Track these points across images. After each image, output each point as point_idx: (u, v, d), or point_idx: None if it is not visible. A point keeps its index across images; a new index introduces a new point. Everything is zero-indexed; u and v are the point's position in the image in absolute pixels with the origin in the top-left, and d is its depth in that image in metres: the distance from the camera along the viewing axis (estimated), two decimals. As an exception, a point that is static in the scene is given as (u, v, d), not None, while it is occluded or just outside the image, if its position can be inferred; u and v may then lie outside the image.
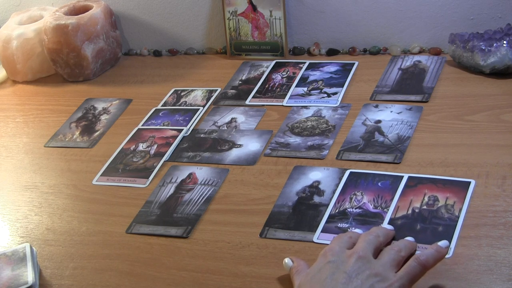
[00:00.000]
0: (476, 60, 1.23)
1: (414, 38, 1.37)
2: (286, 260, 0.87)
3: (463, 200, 0.94)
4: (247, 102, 1.28)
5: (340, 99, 1.23)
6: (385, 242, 0.86)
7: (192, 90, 1.35)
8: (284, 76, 1.34)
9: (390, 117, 1.15)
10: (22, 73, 1.49)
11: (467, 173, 0.99)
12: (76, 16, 1.44)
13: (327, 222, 0.95)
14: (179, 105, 1.31)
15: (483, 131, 1.09)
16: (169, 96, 1.35)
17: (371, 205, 0.96)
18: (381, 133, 1.12)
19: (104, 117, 1.31)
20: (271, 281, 0.87)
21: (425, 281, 0.81)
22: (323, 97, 1.25)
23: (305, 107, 1.23)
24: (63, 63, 1.45)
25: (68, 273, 0.95)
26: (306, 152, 1.11)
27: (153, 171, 1.13)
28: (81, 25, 1.42)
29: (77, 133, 1.28)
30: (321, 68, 1.34)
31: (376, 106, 1.19)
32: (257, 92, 1.31)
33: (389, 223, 0.92)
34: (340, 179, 1.02)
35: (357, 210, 0.96)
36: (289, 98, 1.27)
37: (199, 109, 1.28)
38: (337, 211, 0.97)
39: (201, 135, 1.20)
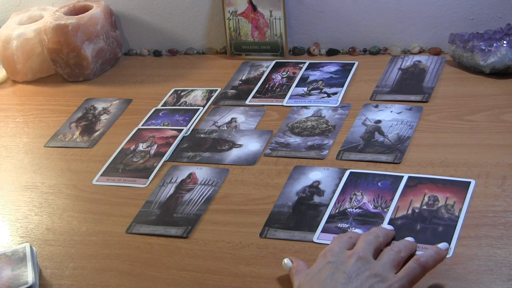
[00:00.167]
0: (476, 60, 1.23)
1: (414, 38, 1.37)
2: (286, 260, 0.87)
3: (463, 200, 0.94)
4: (247, 102, 1.28)
5: (340, 99, 1.23)
6: (385, 243, 0.86)
7: (192, 90, 1.35)
8: (284, 76, 1.34)
9: (390, 117, 1.15)
10: (22, 73, 1.49)
11: (467, 173, 0.99)
12: (76, 16, 1.44)
13: (327, 222, 0.95)
14: (179, 105, 1.31)
15: (483, 131, 1.09)
16: (169, 96, 1.35)
17: (371, 205, 0.96)
18: (381, 133, 1.12)
19: (104, 117, 1.31)
20: (271, 281, 0.87)
21: (425, 281, 0.81)
22: (323, 97, 1.25)
23: (305, 107, 1.23)
24: (63, 63, 1.45)
25: (68, 273, 0.94)
26: (306, 152, 1.10)
27: (153, 171, 1.13)
28: (81, 25, 1.42)
29: (77, 133, 1.28)
30: (321, 68, 1.34)
31: (376, 106, 1.19)
32: (257, 92, 1.31)
33: (389, 223, 0.92)
34: (340, 179, 1.02)
35: (357, 210, 0.96)
36: (289, 98, 1.26)
37: (199, 109, 1.28)
38: (337, 211, 0.97)
39: (201, 135, 1.20)
